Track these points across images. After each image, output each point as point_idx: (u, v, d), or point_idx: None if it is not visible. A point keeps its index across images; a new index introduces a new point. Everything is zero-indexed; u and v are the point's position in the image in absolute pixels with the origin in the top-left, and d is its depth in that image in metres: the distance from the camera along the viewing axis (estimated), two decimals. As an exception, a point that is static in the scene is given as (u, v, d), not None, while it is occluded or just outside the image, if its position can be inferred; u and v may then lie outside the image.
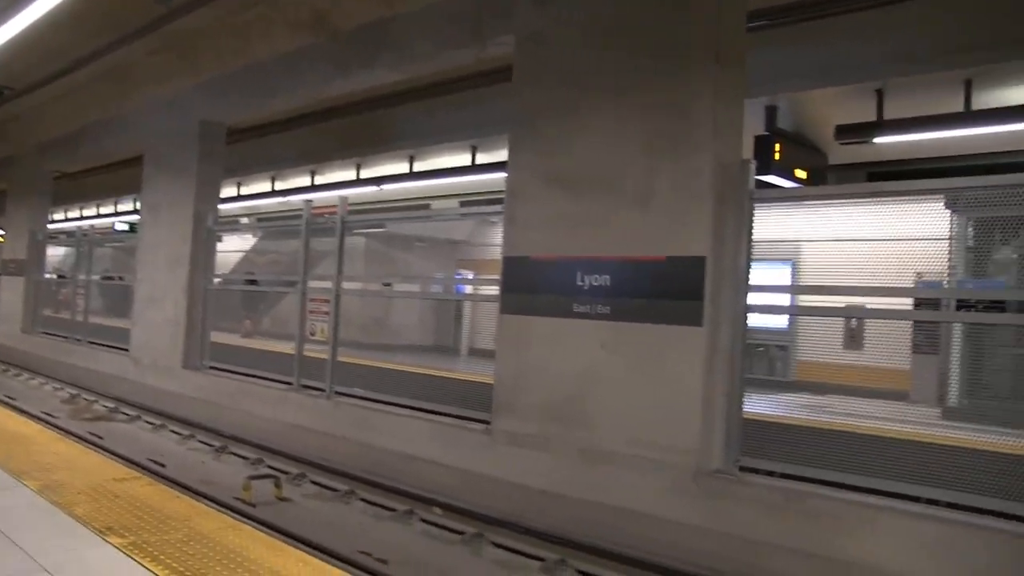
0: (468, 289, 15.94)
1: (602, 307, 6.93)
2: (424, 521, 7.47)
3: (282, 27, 10.60)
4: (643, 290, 6.67)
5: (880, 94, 9.70)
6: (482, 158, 14.46)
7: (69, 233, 21.18)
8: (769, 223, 6.53)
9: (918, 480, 5.53)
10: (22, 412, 10.20)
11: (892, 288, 5.97)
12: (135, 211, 20.55)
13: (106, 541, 4.09)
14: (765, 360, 13.53)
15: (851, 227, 6.55)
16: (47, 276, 19.80)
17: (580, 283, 7.07)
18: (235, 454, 9.92)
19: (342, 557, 5.87)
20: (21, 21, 9.11)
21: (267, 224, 17.97)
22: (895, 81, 9.38)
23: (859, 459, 5.84)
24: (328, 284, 10.18)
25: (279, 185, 19.83)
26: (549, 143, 7.52)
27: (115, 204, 26.92)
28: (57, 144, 17.86)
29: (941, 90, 9.36)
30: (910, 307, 7.87)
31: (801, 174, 11.02)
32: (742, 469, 6.26)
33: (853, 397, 8.01)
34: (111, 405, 12.97)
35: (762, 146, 10.43)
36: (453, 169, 14.97)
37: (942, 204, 6.80)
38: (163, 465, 8.82)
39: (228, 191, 18.88)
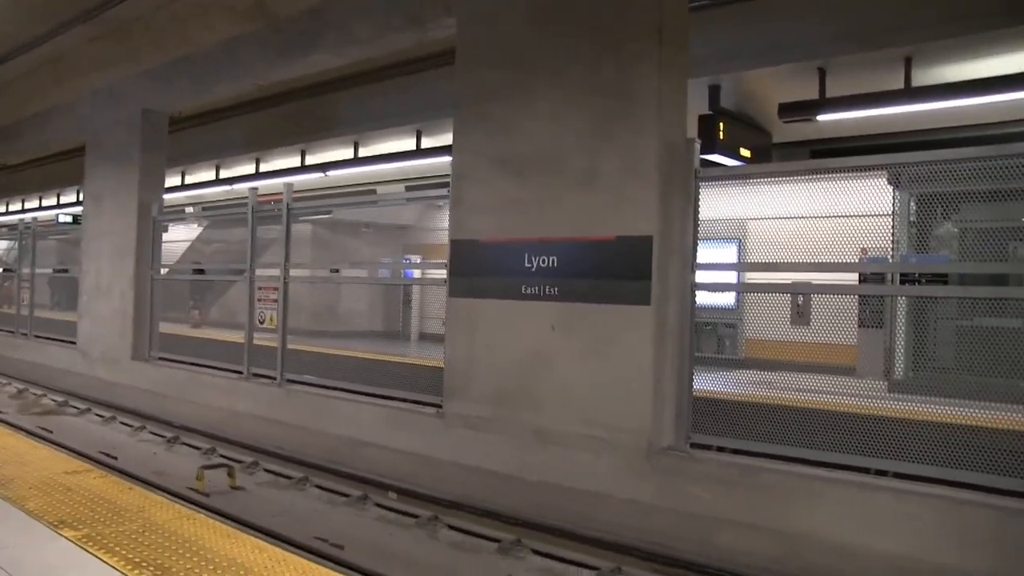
0: (416, 274, 15.87)
1: (551, 288, 6.95)
2: (379, 506, 7.48)
3: (220, 13, 10.45)
4: (591, 271, 6.71)
5: (822, 73, 9.80)
6: (427, 142, 14.37)
7: (11, 226, 20.76)
8: (715, 202, 6.59)
9: (867, 452, 5.63)
10: (-34, 409, 10.02)
11: (836, 264, 6.04)
12: (79, 203, 20.17)
13: (60, 535, 4.04)
14: (714, 338, 13.68)
15: (796, 205, 6.61)
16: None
17: (528, 265, 7.09)
18: (187, 444, 9.85)
19: (298, 544, 5.83)
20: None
21: (213, 213, 17.73)
22: (837, 60, 9.49)
23: (808, 433, 5.92)
24: (276, 272, 10.11)
25: (224, 173, 19.59)
26: (494, 125, 7.51)
27: (58, 196, 26.42)
28: (-3, 135, 17.47)
29: (882, 68, 9.49)
30: (856, 283, 8.01)
31: (746, 153, 11.11)
32: (693, 446, 6.34)
33: (801, 373, 8.10)
34: (60, 399, 12.80)
35: (706, 125, 10.48)
36: (399, 154, 14.87)
37: (885, 180, 6.90)
38: (115, 457, 8.75)
39: (172, 180, 18.61)
